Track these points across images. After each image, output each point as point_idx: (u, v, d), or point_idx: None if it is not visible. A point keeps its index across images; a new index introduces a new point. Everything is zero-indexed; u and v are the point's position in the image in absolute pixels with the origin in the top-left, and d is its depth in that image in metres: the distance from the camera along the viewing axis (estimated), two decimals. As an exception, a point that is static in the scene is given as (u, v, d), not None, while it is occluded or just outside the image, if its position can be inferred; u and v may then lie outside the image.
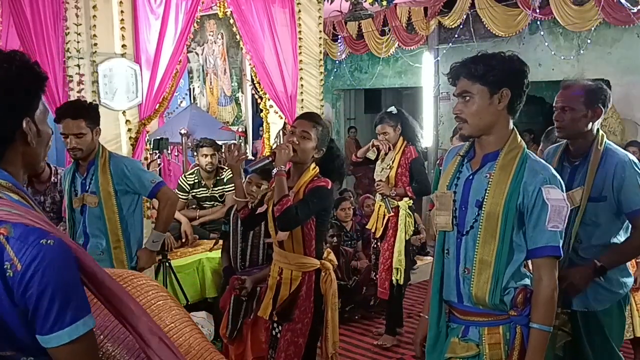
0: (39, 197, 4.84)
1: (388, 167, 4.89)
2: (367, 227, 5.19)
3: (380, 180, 4.93)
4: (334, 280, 3.13)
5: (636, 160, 2.89)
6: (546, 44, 8.67)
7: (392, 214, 4.90)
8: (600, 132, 2.92)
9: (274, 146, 6.02)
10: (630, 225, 2.88)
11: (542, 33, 8.69)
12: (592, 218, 2.87)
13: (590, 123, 2.87)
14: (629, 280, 2.98)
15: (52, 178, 4.79)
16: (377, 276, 5.07)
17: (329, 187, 3.04)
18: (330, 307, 3.09)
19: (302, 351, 3.03)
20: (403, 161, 4.84)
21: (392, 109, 5.00)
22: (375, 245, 5.17)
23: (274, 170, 2.97)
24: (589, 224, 2.88)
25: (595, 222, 2.87)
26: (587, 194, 2.84)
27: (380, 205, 5.02)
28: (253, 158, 7.88)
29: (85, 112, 3.53)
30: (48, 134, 1.52)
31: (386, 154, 4.96)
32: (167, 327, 2.13)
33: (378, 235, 5.02)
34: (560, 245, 2.18)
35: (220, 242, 4.68)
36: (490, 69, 2.18)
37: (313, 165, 3.10)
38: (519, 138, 2.29)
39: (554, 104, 2.98)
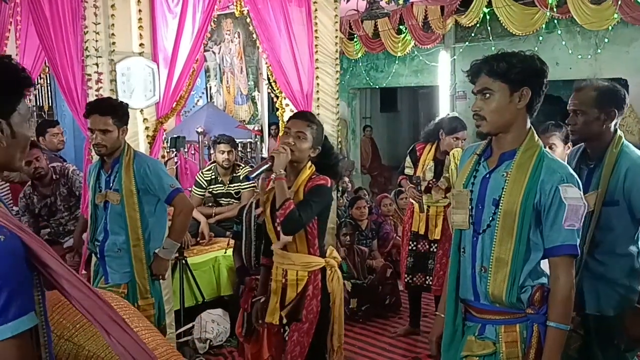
0: (49, 200, 4.91)
1: None
2: (412, 229, 5.07)
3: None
4: (340, 278, 3.12)
5: None
6: (563, 42, 8.61)
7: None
8: (618, 133, 2.85)
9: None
10: None
11: (559, 32, 8.63)
12: (607, 223, 2.80)
13: (604, 125, 2.81)
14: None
15: (54, 176, 4.87)
16: (414, 276, 5.02)
17: (329, 185, 3.02)
18: (337, 304, 3.08)
19: (306, 350, 3.02)
20: None
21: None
22: (414, 248, 5.03)
23: (273, 175, 2.95)
24: (604, 228, 2.81)
25: (609, 227, 2.80)
26: (602, 198, 2.77)
27: (427, 207, 4.93)
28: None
29: (114, 110, 3.61)
30: (25, 136, 1.52)
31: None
32: (137, 328, 2.19)
33: (434, 237, 4.91)
34: (577, 244, 2.17)
35: (232, 242, 4.68)
36: (512, 66, 2.18)
37: (309, 163, 3.07)
38: (536, 137, 2.29)
39: (567, 107, 2.93)
